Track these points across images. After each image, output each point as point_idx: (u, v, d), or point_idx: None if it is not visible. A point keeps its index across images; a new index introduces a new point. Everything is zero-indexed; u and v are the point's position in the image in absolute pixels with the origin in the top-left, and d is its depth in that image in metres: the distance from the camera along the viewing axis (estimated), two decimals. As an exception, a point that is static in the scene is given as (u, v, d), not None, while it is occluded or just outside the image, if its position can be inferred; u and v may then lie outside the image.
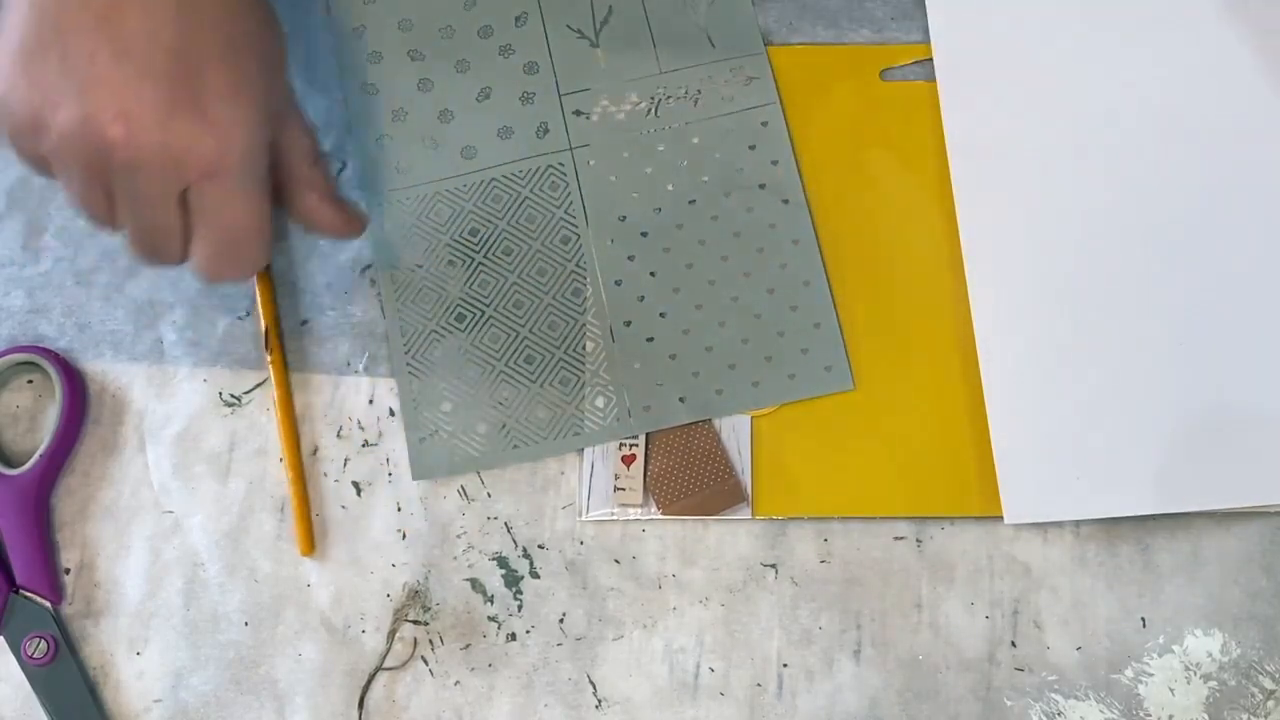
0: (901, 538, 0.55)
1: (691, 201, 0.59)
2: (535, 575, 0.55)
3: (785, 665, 0.54)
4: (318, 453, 0.57)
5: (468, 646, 0.55)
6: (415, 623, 0.55)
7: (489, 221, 0.59)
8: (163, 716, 0.55)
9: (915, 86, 0.60)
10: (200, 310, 0.59)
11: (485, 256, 0.59)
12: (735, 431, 0.56)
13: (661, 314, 0.58)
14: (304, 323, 0.59)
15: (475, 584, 0.55)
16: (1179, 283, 0.56)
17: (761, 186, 0.59)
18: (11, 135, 0.50)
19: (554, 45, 0.61)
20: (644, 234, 0.59)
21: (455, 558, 0.56)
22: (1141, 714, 0.52)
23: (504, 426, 0.57)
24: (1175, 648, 0.53)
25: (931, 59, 0.60)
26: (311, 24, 0.62)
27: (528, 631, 0.55)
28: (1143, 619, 0.54)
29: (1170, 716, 0.52)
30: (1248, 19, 0.59)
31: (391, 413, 0.58)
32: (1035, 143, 0.59)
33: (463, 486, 0.57)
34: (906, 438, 0.56)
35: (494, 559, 0.56)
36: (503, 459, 0.56)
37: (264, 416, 0.58)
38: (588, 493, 0.56)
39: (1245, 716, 0.52)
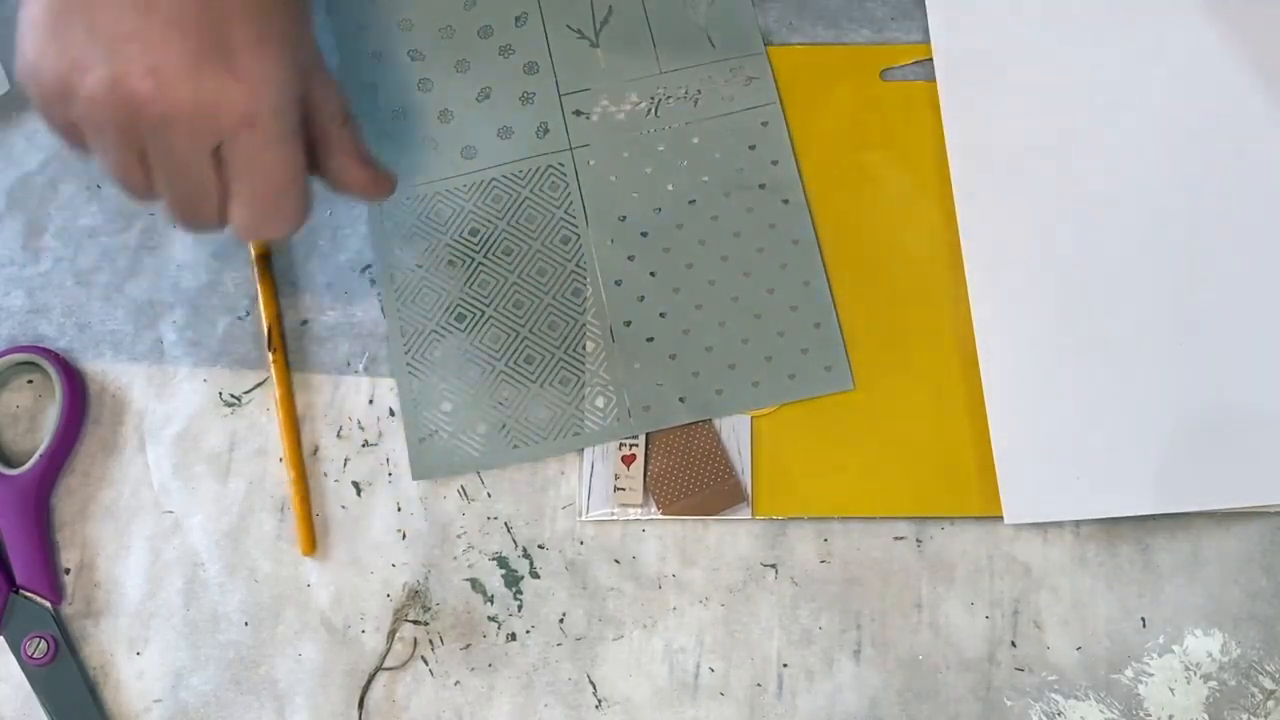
0: (901, 538, 0.55)
1: (691, 201, 0.59)
2: (535, 575, 0.55)
3: (785, 665, 0.54)
4: (318, 453, 0.57)
5: (468, 646, 0.55)
6: (415, 623, 0.55)
7: (489, 221, 0.59)
8: (163, 716, 0.55)
9: (915, 86, 0.60)
10: (200, 310, 0.59)
11: (485, 256, 0.59)
12: (735, 431, 0.56)
13: (661, 314, 0.58)
14: (304, 323, 0.59)
15: (475, 584, 0.55)
16: (1179, 282, 0.56)
17: (761, 186, 0.59)
18: (41, 105, 0.49)
19: (554, 45, 0.61)
20: (644, 234, 0.59)
21: (455, 558, 0.56)
22: (1141, 714, 0.53)
23: (504, 426, 0.57)
24: (1175, 648, 0.53)
25: (931, 59, 0.60)
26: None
27: (528, 631, 0.55)
28: (1143, 619, 0.54)
29: (1170, 716, 0.52)
30: (1248, 19, 0.59)
31: (391, 413, 0.58)
32: (1035, 143, 0.59)
33: (463, 486, 0.57)
34: (906, 438, 0.56)
35: (494, 559, 0.56)
36: (503, 459, 0.56)
37: (264, 416, 0.58)
38: (588, 493, 0.56)
39: (1245, 716, 0.52)
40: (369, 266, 0.59)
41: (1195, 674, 0.53)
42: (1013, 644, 0.53)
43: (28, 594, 0.55)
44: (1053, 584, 0.54)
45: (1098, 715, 0.53)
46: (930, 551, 0.55)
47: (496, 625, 0.55)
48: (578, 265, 0.58)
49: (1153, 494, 0.54)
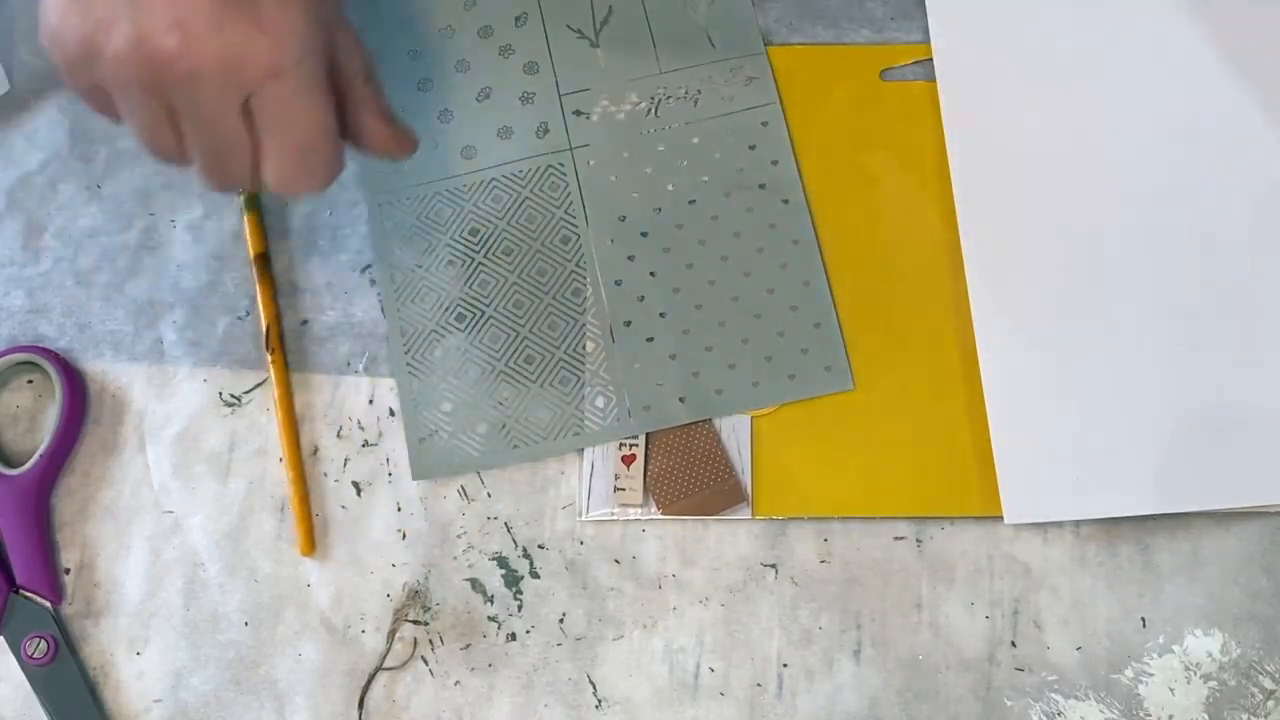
0: (901, 538, 0.55)
1: (691, 201, 0.59)
2: (535, 575, 0.55)
3: (785, 665, 0.54)
4: (318, 453, 0.57)
5: (468, 646, 0.55)
6: (415, 623, 0.55)
7: (489, 221, 0.59)
8: (163, 716, 0.55)
9: (915, 86, 0.60)
10: (200, 310, 0.59)
11: (485, 256, 0.59)
12: (735, 431, 0.56)
13: (661, 314, 0.58)
14: (304, 323, 0.59)
15: (475, 584, 0.55)
16: (1179, 282, 0.56)
17: (761, 186, 0.59)
18: (67, 69, 0.49)
19: (554, 45, 0.61)
20: (644, 234, 0.59)
21: (455, 558, 0.56)
22: (1141, 714, 0.52)
23: (504, 426, 0.57)
24: (1175, 648, 0.53)
25: (931, 59, 0.60)
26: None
27: (528, 631, 0.55)
28: (1143, 619, 0.54)
29: (1170, 716, 0.52)
30: (1249, 19, 0.59)
31: (391, 413, 0.58)
32: (1035, 143, 0.59)
33: (463, 486, 0.57)
34: (906, 438, 0.56)
35: (494, 559, 0.56)
36: (503, 459, 0.56)
37: (264, 416, 0.58)
38: (588, 493, 0.56)
39: (1245, 716, 0.52)
40: (369, 266, 0.59)
41: (1195, 674, 0.53)
42: (1013, 644, 0.53)
43: (28, 594, 0.55)
44: (1053, 584, 0.54)
45: (1098, 715, 0.53)
46: (930, 551, 0.55)
47: (496, 625, 0.55)
48: (578, 265, 0.58)
49: (1153, 494, 0.54)
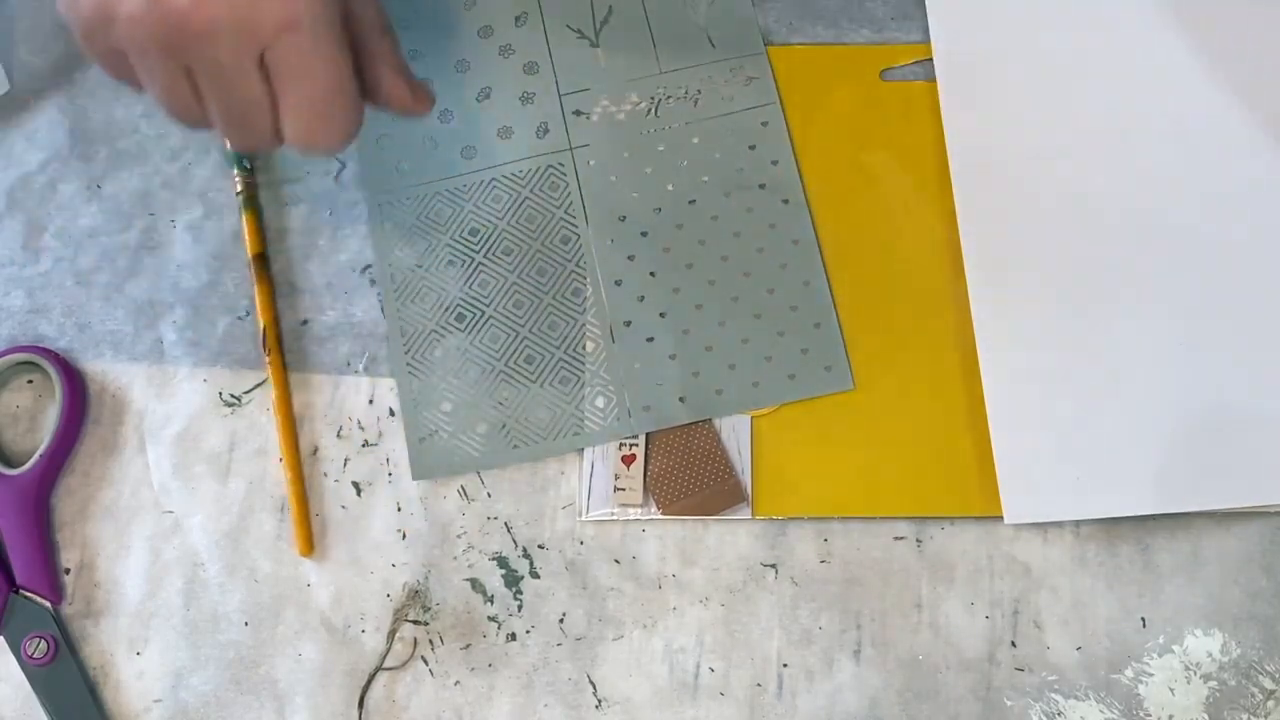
0: (901, 538, 0.55)
1: (691, 201, 0.59)
2: (535, 575, 0.55)
3: (785, 665, 0.54)
4: (318, 453, 0.57)
5: (468, 646, 0.55)
6: (415, 623, 0.55)
7: (489, 221, 0.59)
8: (163, 716, 0.55)
9: (915, 86, 0.60)
10: (200, 310, 0.59)
11: (485, 256, 0.59)
12: (735, 431, 0.56)
13: (661, 314, 0.58)
14: (304, 323, 0.59)
15: (475, 584, 0.55)
16: (1179, 282, 0.56)
17: (761, 186, 0.59)
18: (83, 35, 0.49)
19: (554, 45, 0.61)
20: (644, 234, 0.59)
21: (455, 558, 0.56)
22: (1141, 714, 0.52)
23: (504, 426, 0.57)
24: (1175, 648, 0.53)
25: (931, 59, 0.60)
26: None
27: (528, 631, 0.55)
28: (1143, 619, 0.54)
29: (1170, 716, 0.52)
30: (1250, 19, 0.59)
31: (391, 413, 0.58)
32: (1035, 143, 0.59)
33: (463, 486, 0.57)
34: (906, 438, 0.56)
35: (494, 559, 0.56)
36: (503, 459, 0.56)
37: (264, 416, 0.58)
38: (588, 493, 0.56)
39: (1245, 716, 0.52)
40: (369, 266, 0.59)
41: (1195, 674, 0.53)
42: (1013, 644, 0.53)
43: (28, 594, 0.55)
44: (1053, 584, 0.54)
45: (1098, 715, 0.53)
46: (930, 551, 0.55)
47: (496, 625, 0.55)
48: (578, 265, 0.58)
49: (1153, 494, 0.54)
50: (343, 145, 0.52)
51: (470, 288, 0.58)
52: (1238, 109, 0.58)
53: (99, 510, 0.57)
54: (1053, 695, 0.53)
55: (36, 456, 0.56)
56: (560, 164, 0.60)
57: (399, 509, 0.56)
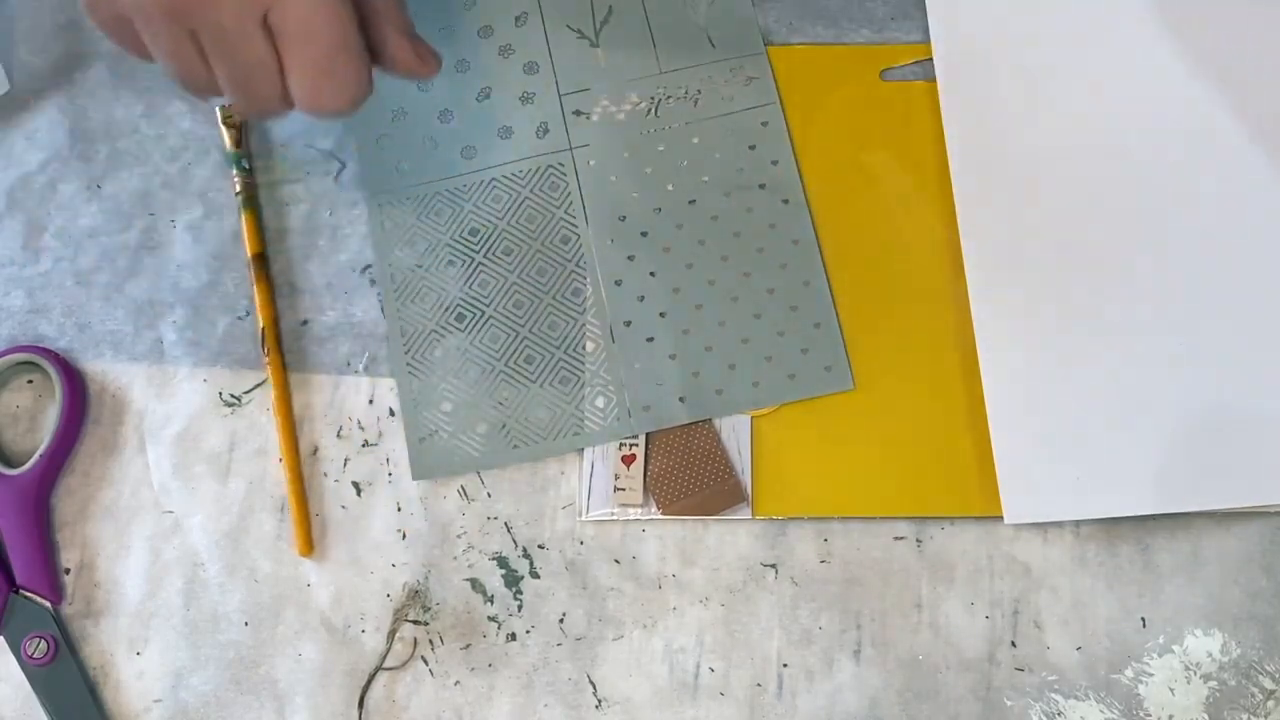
0: (901, 538, 0.55)
1: (691, 201, 0.59)
2: (535, 575, 0.55)
3: (785, 665, 0.54)
4: (318, 453, 0.57)
5: (468, 646, 0.55)
6: (415, 623, 0.55)
7: (489, 221, 0.59)
8: (163, 716, 0.55)
9: (915, 86, 0.60)
10: (200, 310, 0.59)
11: (485, 256, 0.59)
12: (735, 431, 0.56)
13: (661, 314, 0.58)
14: (304, 323, 0.59)
15: (475, 584, 0.55)
16: (1179, 282, 0.56)
17: (761, 186, 0.59)
18: (89, 5, 0.49)
19: (554, 45, 0.61)
20: (644, 234, 0.59)
21: (455, 558, 0.56)
22: (1141, 714, 0.52)
23: (504, 426, 0.57)
24: (1175, 648, 0.53)
25: (931, 59, 0.60)
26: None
27: (528, 631, 0.55)
28: (1143, 619, 0.54)
29: (1170, 716, 0.52)
30: (1251, 19, 0.59)
31: (391, 413, 0.58)
32: (1035, 142, 0.59)
33: (463, 486, 0.57)
34: (906, 438, 0.56)
35: (494, 559, 0.56)
36: (503, 459, 0.56)
37: (264, 416, 0.58)
38: (588, 493, 0.56)
39: (1245, 716, 0.52)
40: (369, 266, 0.59)
41: (1195, 674, 0.53)
42: (1013, 644, 0.53)
43: (28, 594, 0.55)
44: (1053, 584, 0.54)
45: (1098, 715, 0.53)
46: (930, 551, 0.55)
47: (496, 625, 0.55)
48: (578, 265, 0.58)
49: (1153, 494, 0.54)
50: (351, 106, 0.51)
51: (470, 288, 0.58)
52: (1238, 109, 0.58)
53: (99, 510, 0.57)
54: (1053, 695, 0.53)
55: (36, 456, 0.56)
56: (560, 164, 0.60)
57: (399, 509, 0.56)
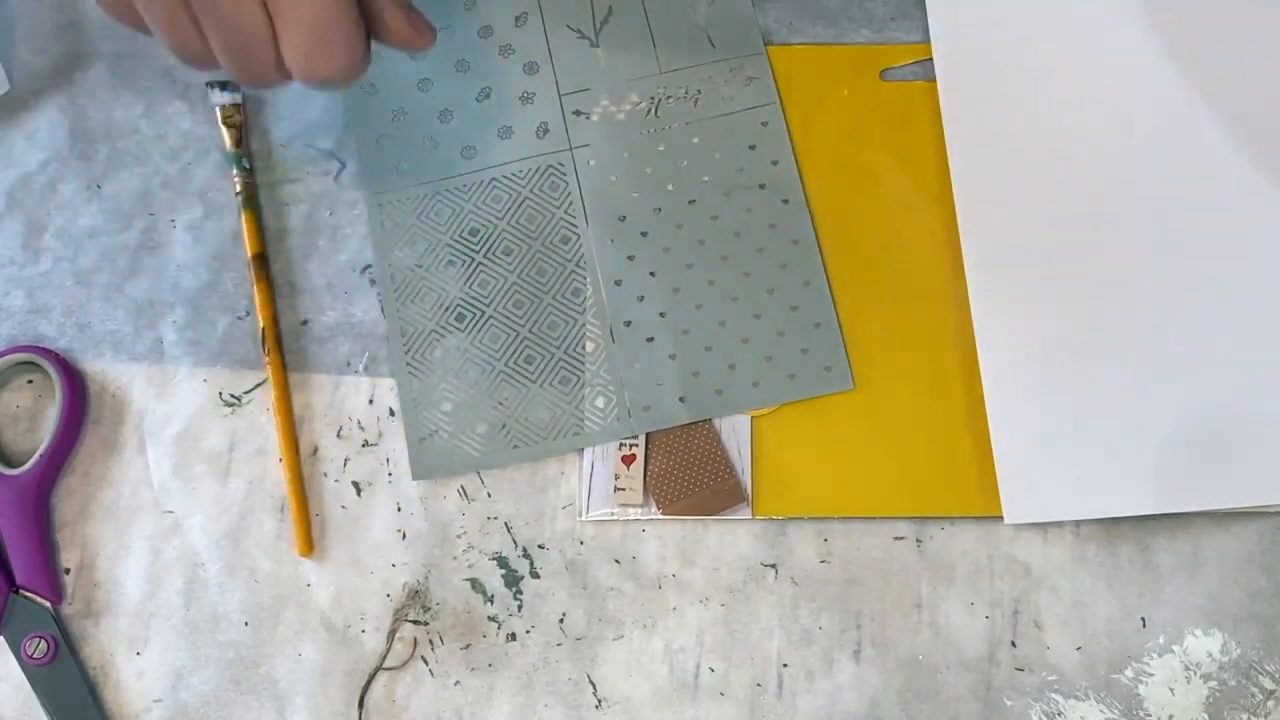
0: (901, 538, 0.55)
1: (691, 201, 0.59)
2: (535, 575, 0.55)
3: (785, 665, 0.54)
4: (318, 453, 0.57)
5: (468, 646, 0.55)
6: (415, 623, 0.55)
7: (489, 221, 0.59)
8: (163, 716, 0.55)
9: (915, 86, 0.60)
10: (200, 310, 0.59)
11: (485, 256, 0.59)
12: (735, 431, 0.56)
13: (661, 314, 0.58)
14: (304, 323, 0.59)
15: (475, 584, 0.55)
16: (1180, 282, 0.56)
17: (761, 186, 0.59)
18: None
19: (554, 45, 0.61)
20: (644, 234, 0.59)
21: (455, 558, 0.56)
22: (1141, 714, 0.53)
23: (504, 426, 0.57)
24: (1175, 648, 0.53)
25: (931, 59, 0.60)
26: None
27: (528, 631, 0.55)
28: (1143, 619, 0.54)
29: (1170, 716, 0.52)
30: (1251, 19, 0.59)
31: (391, 413, 0.58)
32: (1035, 143, 0.59)
33: (463, 486, 0.57)
34: (906, 438, 0.56)
35: (494, 559, 0.56)
36: (503, 459, 0.56)
37: (264, 416, 0.58)
38: (588, 493, 0.56)
39: (1245, 716, 0.52)
40: (369, 266, 0.59)
41: (1195, 674, 0.53)
42: (1013, 644, 0.53)
43: (28, 594, 0.55)
44: (1053, 584, 0.54)
45: (1098, 715, 0.53)
46: (930, 551, 0.55)
47: (496, 625, 0.55)
48: (578, 265, 0.58)
49: (1153, 494, 0.54)
50: (347, 77, 0.51)
51: (470, 288, 0.58)
52: (1239, 110, 0.58)
53: (99, 510, 0.57)
54: (1053, 695, 0.53)
55: (36, 456, 0.56)
56: (560, 164, 0.60)
57: (399, 509, 0.56)
